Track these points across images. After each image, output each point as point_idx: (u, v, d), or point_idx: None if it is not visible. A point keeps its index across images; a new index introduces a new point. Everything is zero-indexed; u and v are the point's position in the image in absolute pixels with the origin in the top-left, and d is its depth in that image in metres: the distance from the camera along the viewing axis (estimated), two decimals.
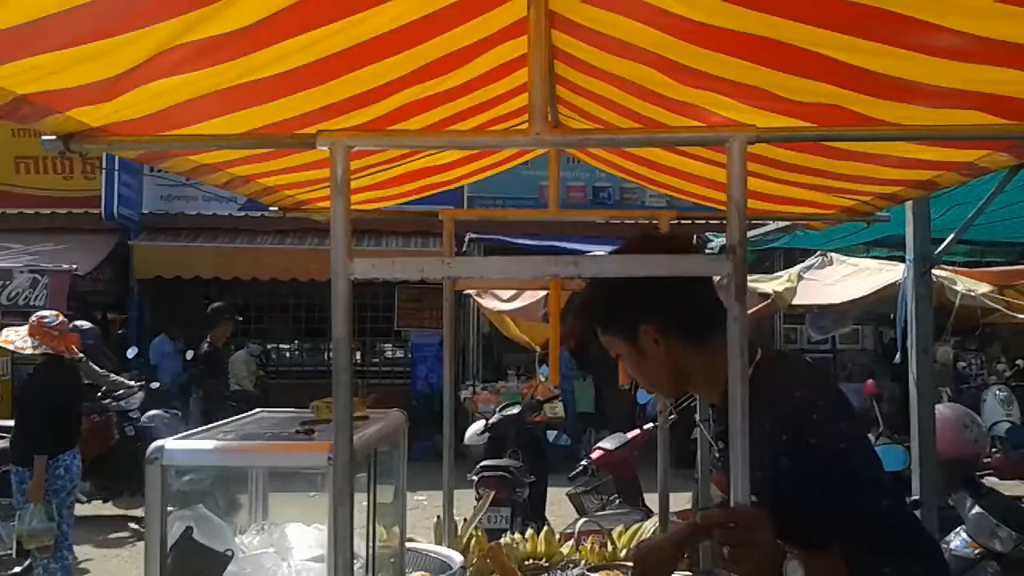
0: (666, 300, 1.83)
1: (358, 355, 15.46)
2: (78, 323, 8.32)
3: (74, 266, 12.15)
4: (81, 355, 6.58)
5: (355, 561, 1.97)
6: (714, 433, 2.04)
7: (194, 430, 1.85)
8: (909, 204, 3.35)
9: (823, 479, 1.67)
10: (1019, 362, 12.69)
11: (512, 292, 8.64)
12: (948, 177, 2.49)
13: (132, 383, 9.13)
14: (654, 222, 3.46)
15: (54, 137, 1.68)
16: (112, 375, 9.10)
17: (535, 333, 8.36)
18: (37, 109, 1.56)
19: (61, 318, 6.05)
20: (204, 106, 1.82)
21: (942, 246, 3.37)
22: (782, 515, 1.59)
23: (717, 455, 2.06)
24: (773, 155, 2.55)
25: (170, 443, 1.68)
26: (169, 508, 1.73)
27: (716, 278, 1.83)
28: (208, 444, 1.69)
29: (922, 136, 1.99)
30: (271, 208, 3.08)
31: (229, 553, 1.70)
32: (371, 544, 1.89)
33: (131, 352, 11.85)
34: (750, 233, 4.06)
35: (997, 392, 11.39)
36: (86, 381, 8.39)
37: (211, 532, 1.73)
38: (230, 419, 1.99)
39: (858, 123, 2.02)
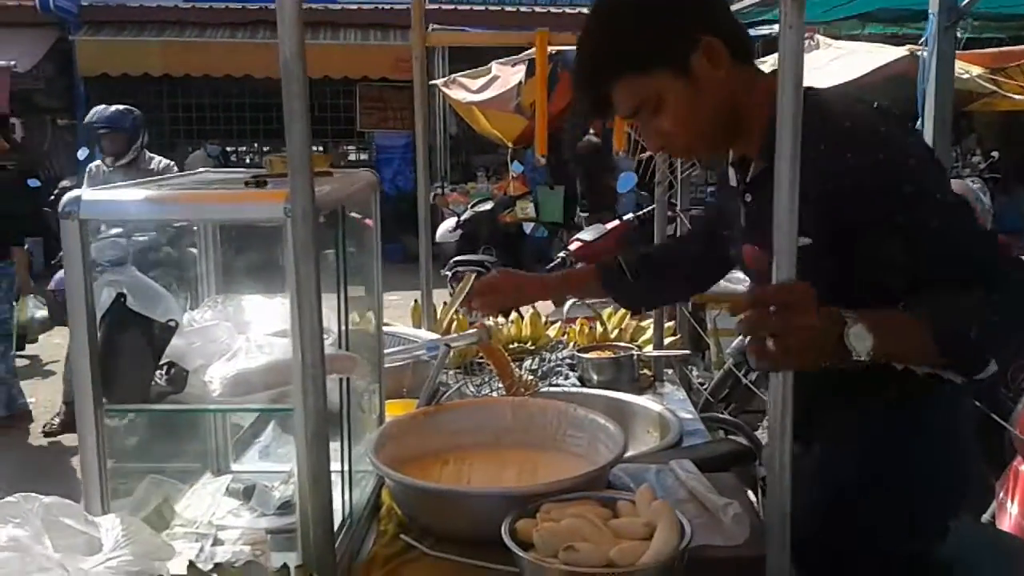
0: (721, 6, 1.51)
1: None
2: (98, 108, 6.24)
3: (12, 62, 11.44)
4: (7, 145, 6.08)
5: (326, 336, 1.72)
6: (740, 190, 1.75)
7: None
8: None
9: (892, 201, 1.41)
10: (994, 154, 12.53)
11: (482, 82, 8.16)
12: None
13: None
14: None
15: None
16: None
17: (506, 126, 7.94)
18: None
19: None
20: None
21: None
22: (839, 259, 1.35)
23: (743, 219, 1.77)
24: None
25: (88, 193, 1.36)
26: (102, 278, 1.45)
27: None
28: (135, 194, 1.38)
29: None
30: None
31: (172, 323, 1.43)
32: (342, 316, 1.63)
33: (82, 154, 11.26)
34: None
35: (970, 184, 11.29)
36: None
37: (149, 300, 1.46)
38: (168, 176, 1.67)
39: None
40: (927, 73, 3.05)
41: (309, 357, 1.33)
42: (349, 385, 1.66)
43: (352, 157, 15.73)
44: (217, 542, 1.65)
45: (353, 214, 1.82)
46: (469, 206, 7.54)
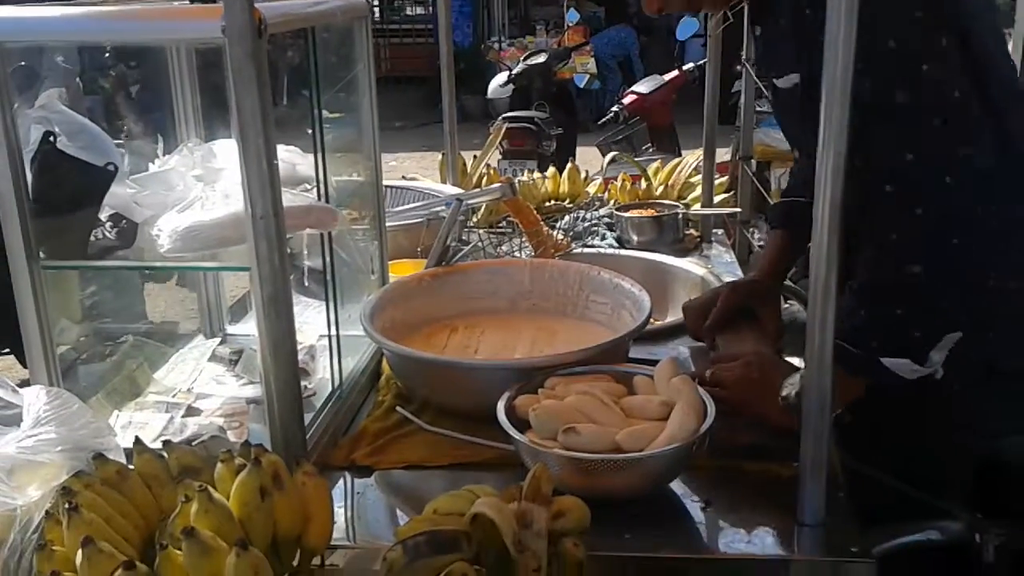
0: None
1: (376, 12, 14.49)
2: None
3: None
4: None
5: (305, 186, 1.52)
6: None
7: None
8: None
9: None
10: None
11: None
12: None
13: None
14: None
15: None
16: None
17: None
18: None
19: None
20: None
21: None
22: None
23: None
24: None
25: None
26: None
27: None
28: (45, 11, 1.15)
29: None
30: None
31: (111, 167, 1.24)
32: (320, 164, 1.42)
33: None
34: None
35: None
36: None
37: (84, 141, 1.26)
38: None
39: None
40: None
41: (260, 208, 1.12)
42: (331, 240, 1.46)
43: (408, 11, 15.23)
44: (192, 412, 1.51)
45: None
46: (522, 59, 7.12)
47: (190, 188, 1.34)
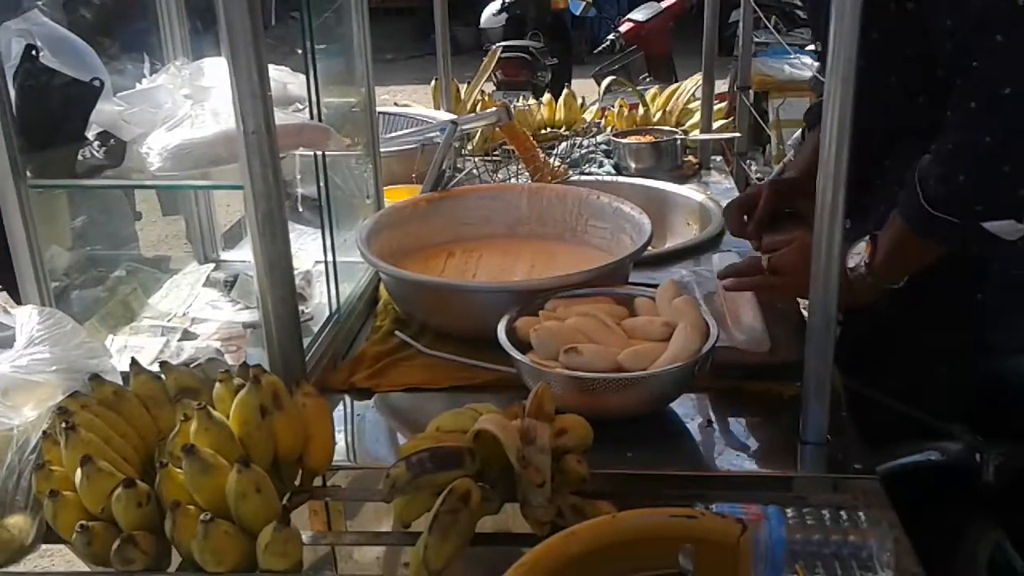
0: None
1: None
2: None
3: None
4: None
5: (297, 106, 1.48)
6: None
7: None
8: None
9: None
10: None
11: None
12: None
13: None
14: None
15: None
16: None
17: None
18: None
19: None
20: None
21: None
22: None
23: None
24: None
25: None
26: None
27: None
28: None
29: None
30: None
31: (97, 83, 1.20)
32: (312, 83, 1.37)
33: None
34: None
35: None
36: None
37: (69, 56, 1.21)
38: None
39: None
40: None
41: (251, 123, 1.09)
42: (325, 162, 1.42)
43: None
44: (188, 336, 1.49)
45: None
46: None
47: (179, 106, 1.30)
